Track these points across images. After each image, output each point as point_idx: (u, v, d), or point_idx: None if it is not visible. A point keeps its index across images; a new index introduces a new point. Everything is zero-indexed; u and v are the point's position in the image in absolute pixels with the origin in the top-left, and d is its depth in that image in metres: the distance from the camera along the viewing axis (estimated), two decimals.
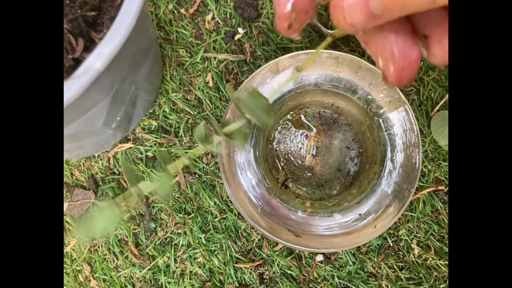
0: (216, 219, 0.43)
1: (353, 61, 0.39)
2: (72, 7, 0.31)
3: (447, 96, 0.43)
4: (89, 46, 0.30)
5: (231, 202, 0.43)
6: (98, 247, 0.43)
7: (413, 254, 0.42)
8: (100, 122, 0.35)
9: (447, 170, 0.44)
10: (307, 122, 0.43)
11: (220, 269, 0.43)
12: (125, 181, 0.44)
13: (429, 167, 0.44)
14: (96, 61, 0.24)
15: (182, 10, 0.48)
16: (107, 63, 0.24)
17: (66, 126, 0.32)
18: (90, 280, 0.43)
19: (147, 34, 0.38)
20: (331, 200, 0.41)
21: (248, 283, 0.42)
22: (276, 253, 0.43)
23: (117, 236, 0.43)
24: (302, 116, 0.43)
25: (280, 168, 0.43)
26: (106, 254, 0.43)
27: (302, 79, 0.39)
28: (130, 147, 0.45)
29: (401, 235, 0.43)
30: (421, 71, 0.46)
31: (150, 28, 0.39)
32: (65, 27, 0.30)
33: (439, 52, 0.18)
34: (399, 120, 0.38)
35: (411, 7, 0.15)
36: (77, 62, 0.29)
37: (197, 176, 0.44)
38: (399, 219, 0.43)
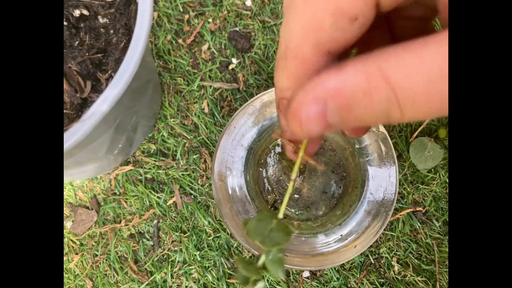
0: (210, 238, 0.46)
1: None
2: (80, 50, 0.34)
3: (424, 123, 0.46)
4: (95, 86, 0.33)
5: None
6: (100, 263, 0.46)
7: (393, 271, 0.46)
8: (103, 150, 0.39)
9: (425, 192, 0.47)
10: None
11: (214, 284, 0.46)
12: (125, 201, 0.47)
13: (408, 189, 0.47)
14: (103, 104, 0.28)
15: (180, 41, 0.52)
16: (112, 105, 0.28)
17: (71, 157, 0.35)
18: None
19: (148, 68, 0.41)
20: (317, 221, 0.44)
21: None
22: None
23: (117, 253, 0.46)
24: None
25: (270, 190, 0.46)
26: (107, 270, 0.46)
27: None
28: (131, 169, 0.48)
29: (382, 253, 0.46)
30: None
31: (150, 62, 0.43)
32: (74, 68, 0.33)
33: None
34: (377, 149, 0.41)
35: (367, 121, 0.16)
36: (85, 100, 0.33)
37: (192, 197, 0.47)
38: (380, 237, 0.46)
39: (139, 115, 0.42)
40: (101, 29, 0.36)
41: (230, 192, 0.42)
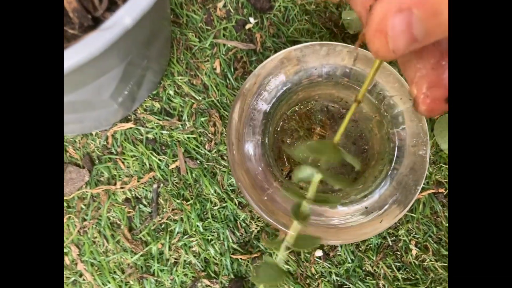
0: (216, 208, 0.42)
1: (367, 56, 0.39)
2: None
3: None
4: (111, 8, 0.28)
5: (232, 191, 0.42)
6: (88, 228, 0.41)
7: (411, 255, 0.42)
8: (108, 93, 0.34)
9: (447, 173, 0.44)
10: (314, 116, 0.43)
11: (216, 259, 0.41)
12: (122, 162, 0.42)
13: (430, 170, 0.44)
14: (126, 16, 0.23)
15: None
16: (136, 20, 0.23)
17: (75, 91, 0.30)
18: (77, 264, 0.40)
19: (166, 7, 0.37)
20: (334, 195, 0.40)
21: (244, 276, 0.41)
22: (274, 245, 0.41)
23: (110, 219, 0.41)
24: (309, 109, 0.43)
25: (285, 159, 0.42)
26: (96, 237, 0.41)
27: (316, 69, 0.39)
28: (131, 127, 0.43)
29: (400, 235, 0.43)
30: None
31: (167, 7, 0.38)
32: None
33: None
34: (410, 118, 0.38)
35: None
36: (97, 22, 0.28)
37: (198, 162, 0.43)
38: (399, 219, 0.43)
39: (148, 65, 0.38)
40: None
41: (246, 157, 0.37)
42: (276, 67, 0.39)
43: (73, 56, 0.21)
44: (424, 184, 0.44)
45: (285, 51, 0.39)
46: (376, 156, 0.41)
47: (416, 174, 0.37)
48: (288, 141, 0.42)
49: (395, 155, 0.38)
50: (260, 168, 0.37)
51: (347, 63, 0.39)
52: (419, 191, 0.37)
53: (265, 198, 0.36)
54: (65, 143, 0.42)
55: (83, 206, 0.41)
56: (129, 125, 0.43)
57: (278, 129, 0.42)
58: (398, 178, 0.37)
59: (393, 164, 0.38)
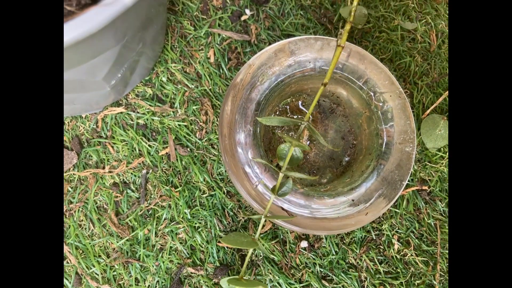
0: (204, 195, 0.42)
1: (360, 52, 0.40)
2: None
3: (438, 101, 0.45)
4: None
5: (221, 180, 0.43)
6: (75, 212, 0.41)
7: (393, 249, 0.43)
8: (102, 74, 0.34)
9: (431, 172, 0.46)
10: (304, 109, 0.44)
11: (202, 247, 0.41)
12: (111, 146, 0.42)
13: (415, 167, 0.45)
14: None
15: None
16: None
17: (68, 69, 0.30)
18: None
19: None
20: (321, 187, 0.41)
21: (229, 264, 0.41)
22: (261, 235, 0.42)
23: (96, 202, 0.41)
24: (300, 102, 0.44)
25: (276, 151, 0.42)
26: (82, 220, 0.41)
27: (309, 62, 0.40)
28: (121, 112, 0.43)
29: (383, 230, 0.44)
30: (416, 75, 0.48)
31: None
32: None
33: None
34: (398, 115, 0.39)
35: None
36: (94, 1, 0.28)
37: (189, 149, 0.43)
38: (383, 213, 0.44)
39: (143, 49, 0.38)
40: None
41: (238, 146, 0.38)
42: (270, 58, 0.39)
43: (72, 31, 0.21)
44: (408, 181, 0.45)
45: (280, 43, 0.39)
46: (364, 151, 0.41)
47: (401, 170, 0.38)
48: (278, 132, 0.43)
49: (382, 151, 0.39)
50: (251, 158, 0.38)
51: (340, 58, 0.40)
52: (403, 186, 0.38)
53: (255, 187, 0.37)
54: None
55: (70, 189, 0.41)
56: (120, 109, 0.43)
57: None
58: (384, 173, 0.38)
59: (380, 159, 0.39)
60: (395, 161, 0.39)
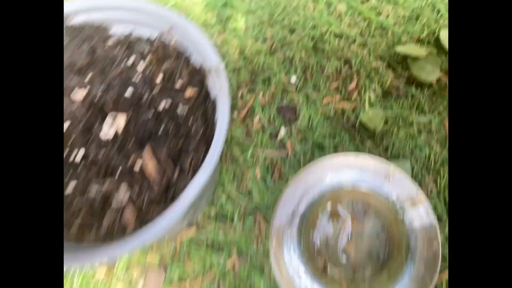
0: None
1: (381, 168, 0.47)
2: (165, 138, 0.41)
3: None
4: (180, 174, 0.39)
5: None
6: None
7: None
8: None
9: None
10: (342, 212, 0.51)
11: None
12: (188, 262, 0.52)
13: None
14: (191, 191, 0.33)
15: (234, 115, 0.58)
16: (199, 192, 0.34)
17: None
18: None
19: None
20: (364, 285, 0.48)
21: None
22: None
23: None
24: (338, 206, 0.52)
25: (321, 253, 0.50)
26: None
27: (342, 179, 0.48)
28: (193, 234, 0.53)
29: None
30: (437, 164, 0.55)
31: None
32: (164, 154, 0.39)
33: None
34: (419, 216, 0.46)
35: None
36: (168, 185, 0.39)
37: (248, 258, 0.52)
38: None
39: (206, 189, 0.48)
40: (181, 119, 0.42)
41: (285, 253, 0.46)
42: (321, 176, 0.48)
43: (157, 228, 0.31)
44: (445, 265, 0.50)
45: (321, 163, 0.48)
46: (397, 248, 0.48)
47: (429, 265, 0.44)
48: (322, 236, 0.51)
49: (409, 249, 0.46)
50: (297, 268, 0.46)
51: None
52: (434, 281, 0.44)
53: None
54: (145, 249, 0.53)
55: None
56: (193, 230, 0.53)
57: (314, 227, 0.51)
58: (413, 269, 0.45)
59: (408, 256, 0.45)
60: (422, 258, 0.45)
